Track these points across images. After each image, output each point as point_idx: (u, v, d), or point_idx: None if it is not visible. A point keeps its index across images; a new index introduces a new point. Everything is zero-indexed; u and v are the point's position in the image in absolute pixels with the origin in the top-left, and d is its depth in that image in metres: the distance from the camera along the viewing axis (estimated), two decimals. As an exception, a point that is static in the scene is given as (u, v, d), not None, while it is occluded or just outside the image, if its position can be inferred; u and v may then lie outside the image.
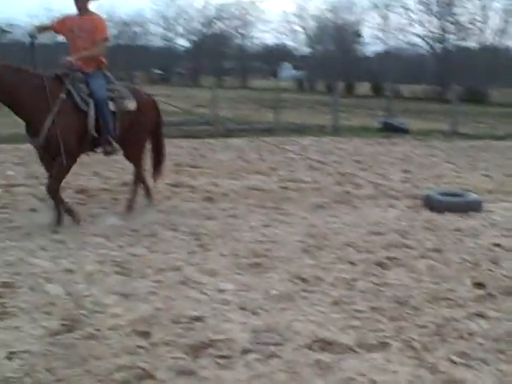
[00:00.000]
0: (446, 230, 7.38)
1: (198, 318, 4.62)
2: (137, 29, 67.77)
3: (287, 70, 76.11)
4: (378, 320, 4.71)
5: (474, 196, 8.92)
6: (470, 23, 56.52)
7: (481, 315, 4.85)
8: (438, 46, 57.76)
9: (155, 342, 4.21)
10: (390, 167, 12.82)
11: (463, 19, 56.34)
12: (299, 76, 67.29)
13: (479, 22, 56.20)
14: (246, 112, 27.70)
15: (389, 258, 6.22)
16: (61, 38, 7.78)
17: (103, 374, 3.76)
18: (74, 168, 10.08)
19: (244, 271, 5.77)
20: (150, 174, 8.45)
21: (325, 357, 4.08)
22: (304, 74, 66.89)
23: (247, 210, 8.36)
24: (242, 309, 4.86)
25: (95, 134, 7.13)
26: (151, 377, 3.76)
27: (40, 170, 10.33)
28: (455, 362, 4.06)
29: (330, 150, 15.63)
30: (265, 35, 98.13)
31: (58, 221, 7.12)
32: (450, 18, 56.50)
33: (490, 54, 53.19)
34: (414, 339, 4.37)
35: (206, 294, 5.16)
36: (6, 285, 5.19)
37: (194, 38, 68.24)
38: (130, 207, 7.93)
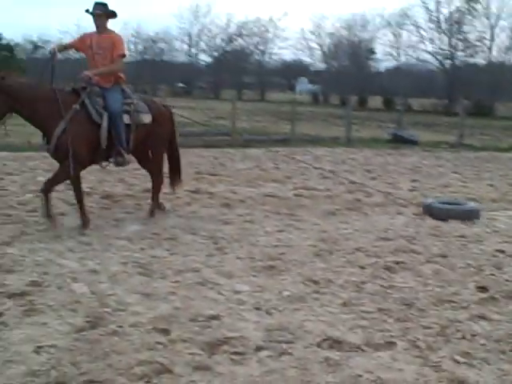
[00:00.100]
0: (451, 237, 7.34)
1: (214, 317, 4.63)
2: (162, 45, 68.19)
3: (303, 85, 76.25)
4: (385, 321, 4.69)
5: (472, 205, 8.87)
6: (478, 41, 56.37)
7: (483, 317, 4.81)
8: (447, 62, 57.59)
9: (173, 339, 4.22)
10: (399, 177, 12.78)
11: (471, 37, 56.21)
12: (314, 90, 67.33)
13: (487, 39, 56.04)
14: (263, 124, 27.75)
15: (396, 263, 6.19)
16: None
17: (124, 368, 3.77)
18: (101, 175, 10.23)
19: (259, 273, 5.77)
20: (168, 183, 8.47)
21: (334, 355, 4.07)
22: (319, 88, 66.92)
23: (263, 215, 8.36)
24: (257, 309, 4.86)
25: (104, 146, 7.11)
26: (169, 371, 3.77)
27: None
28: (458, 362, 4.04)
29: (342, 159, 15.61)
30: (283, 51, 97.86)
31: (47, 215, 7.03)
32: (459, 36, 56.37)
33: (497, 70, 53.01)
34: (419, 339, 4.35)
35: (222, 294, 5.17)
36: (35, 283, 5.22)
37: (216, 53, 68.48)
38: (152, 212, 7.96)
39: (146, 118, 7.55)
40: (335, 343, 4.27)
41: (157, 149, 7.98)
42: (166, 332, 4.34)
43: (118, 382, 3.61)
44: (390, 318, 4.74)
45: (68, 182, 7.39)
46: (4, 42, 48.47)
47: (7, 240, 6.53)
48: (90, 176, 10.29)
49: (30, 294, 4.98)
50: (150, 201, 8.15)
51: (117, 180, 10.51)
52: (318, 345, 4.23)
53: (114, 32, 7.49)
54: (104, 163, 7.54)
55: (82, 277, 5.45)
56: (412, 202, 9.37)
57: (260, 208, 8.87)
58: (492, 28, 55.68)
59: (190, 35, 68.05)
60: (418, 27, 58.54)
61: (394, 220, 8.27)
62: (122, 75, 7.58)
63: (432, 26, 57.36)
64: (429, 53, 58.57)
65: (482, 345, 4.31)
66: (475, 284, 5.63)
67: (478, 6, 55.24)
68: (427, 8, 56.96)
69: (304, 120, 27.50)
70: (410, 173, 13.54)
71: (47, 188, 7.01)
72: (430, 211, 8.48)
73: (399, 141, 20.97)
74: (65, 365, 3.79)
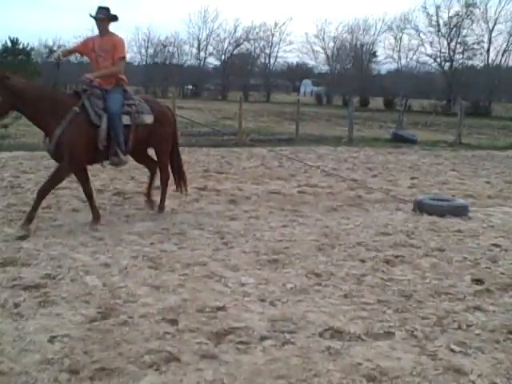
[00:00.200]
0: (448, 232, 7.33)
1: (220, 308, 4.64)
2: (172, 49, 68.29)
3: (307, 86, 76.23)
4: (384, 312, 4.69)
5: (460, 201, 8.86)
6: (476, 44, 56.28)
7: (479, 308, 4.81)
8: (446, 64, 57.51)
9: (181, 329, 4.23)
10: (398, 174, 12.79)
11: (470, 40, 56.15)
12: (318, 91, 67.27)
13: (484, 42, 55.95)
14: (268, 124, 27.75)
15: (395, 256, 6.19)
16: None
17: (134, 356, 3.79)
18: (113, 173, 10.27)
19: (263, 267, 5.77)
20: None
21: (335, 344, 4.08)
22: (323, 90, 66.87)
23: (267, 211, 8.37)
24: (261, 300, 4.87)
25: (102, 147, 7.05)
26: (177, 360, 3.78)
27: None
28: (454, 351, 4.03)
29: (344, 158, 15.62)
30: (288, 55, 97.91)
31: (29, 219, 6.81)
32: (458, 39, 56.29)
33: (494, 72, 52.94)
34: (416, 329, 4.35)
35: (228, 286, 5.17)
36: (49, 276, 5.24)
37: (223, 57, 68.56)
38: (161, 208, 8.01)
39: (148, 119, 7.51)
40: (336, 333, 4.27)
41: (161, 148, 7.95)
42: (174, 322, 4.35)
43: (128, 370, 3.62)
44: (389, 309, 4.74)
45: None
46: (20, 46, 48.57)
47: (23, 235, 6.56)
48: (102, 174, 10.35)
49: (44, 287, 5.00)
50: (158, 197, 8.15)
51: (128, 178, 10.54)
52: (320, 334, 4.24)
53: (115, 35, 7.46)
54: (105, 162, 7.47)
55: (94, 270, 5.47)
56: (409, 200, 9.35)
57: (265, 204, 8.88)
58: (490, 32, 55.59)
59: (198, 39, 68.23)
60: (418, 31, 58.59)
61: (394, 216, 8.27)
62: (123, 77, 7.58)
63: (432, 29, 57.39)
64: (428, 55, 58.59)
65: (477, 335, 4.30)
66: (471, 277, 5.62)
67: (477, 11, 55.15)
68: (427, 13, 56.97)
69: (308, 120, 27.54)
70: (409, 170, 13.54)
71: (45, 190, 6.96)
72: (420, 207, 8.46)
73: (399, 140, 20.98)
74: (78, 353, 3.81)
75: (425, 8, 57.29)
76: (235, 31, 67.72)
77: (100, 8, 7.33)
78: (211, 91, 69.37)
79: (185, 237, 6.80)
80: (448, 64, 57.25)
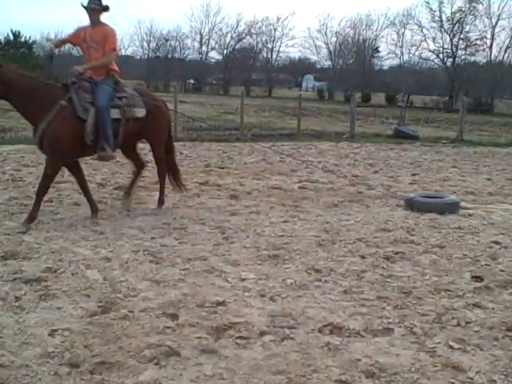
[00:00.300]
0: (448, 228, 7.34)
1: (220, 303, 4.65)
2: (174, 43, 68.24)
3: (309, 81, 76.17)
4: (384, 308, 4.70)
5: (452, 198, 8.83)
6: (479, 40, 56.21)
7: (478, 305, 4.82)
8: (448, 60, 57.43)
9: (182, 324, 4.25)
10: (399, 170, 12.78)
11: (472, 36, 56.07)
12: (320, 87, 67.24)
13: (487, 38, 55.87)
14: (270, 119, 27.75)
15: (395, 253, 6.19)
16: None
17: (135, 350, 3.81)
18: (114, 167, 10.28)
19: (264, 262, 5.79)
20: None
21: (334, 340, 4.09)
22: (324, 85, 66.84)
23: (268, 207, 8.38)
24: (261, 295, 4.88)
25: (89, 141, 6.90)
26: (177, 354, 3.80)
27: (86, 168, 10.49)
28: (453, 347, 4.05)
29: (345, 154, 15.62)
30: (290, 49, 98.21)
31: (31, 218, 6.80)
32: (461, 35, 56.20)
33: (496, 69, 52.86)
34: (415, 326, 4.36)
35: (228, 281, 5.19)
36: (50, 270, 5.27)
37: (226, 51, 68.50)
38: (161, 202, 7.98)
39: (140, 112, 7.36)
40: (336, 329, 4.28)
41: (155, 142, 7.79)
42: (174, 317, 4.37)
43: (128, 364, 3.64)
44: (389, 306, 4.75)
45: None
46: (22, 39, 48.58)
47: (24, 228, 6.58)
48: (104, 168, 10.37)
49: (45, 280, 5.02)
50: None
51: (129, 172, 10.53)
52: (320, 330, 4.25)
53: (106, 25, 7.32)
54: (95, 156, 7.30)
55: (95, 264, 5.49)
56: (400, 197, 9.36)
57: (266, 200, 8.89)
58: (492, 27, 55.50)
59: (200, 33, 68.22)
60: (420, 26, 58.51)
61: (394, 212, 8.28)
62: (115, 67, 7.41)
63: (434, 25, 57.32)
64: (431, 51, 58.53)
65: (476, 332, 4.32)
66: (471, 274, 5.63)
67: (480, 6, 55.06)
68: (430, 8, 56.87)
69: (310, 115, 27.53)
70: (410, 167, 13.53)
71: (41, 189, 6.91)
72: (411, 205, 8.46)
73: (401, 136, 20.96)
74: (78, 347, 3.83)
75: (428, 3, 57.12)
76: (237, 25, 67.77)
77: None
78: (213, 86, 69.38)
79: (185, 231, 6.82)
80: (450, 60, 57.20)
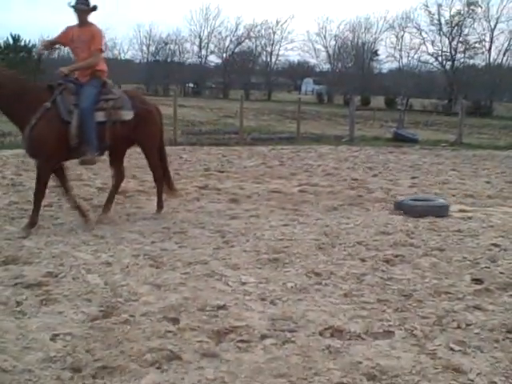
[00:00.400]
0: (448, 231, 7.35)
1: (221, 307, 4.66)
2: (174, 46, 68.32)
3: (308, 85, 76.27)
4: (384, 311, 4.71)
5: (441, 201, 8.81)
6: (478, 43, 56.31)
7: (478, 308, 4.83)
8: (447, 63, 57.52)
9: (183, 328, 4.25)
10: (399, 174, 12.81)
11: (471, 39, 56.16)
12: (319, 90, 67.32)
13: (486, 41, 55.97)
14: (270, 122, 27.78)
15: (395, 256, 6.20)
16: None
17: (136, 354, 3.82)
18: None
19: (264, 266, 5.79)
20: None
21: (335, 343, 4.10)
22: (324, 89, 66.90)
23: (268, 210, 8.39)
24: (262, 299, 4.89)
25: (74, 144, 6.78)
26: (179, 358, 3.81)
27: (86, 172, 10.50)
28: (453, 350, 4.05)
29: (345, 157, 15.66)
30: (289, 53, 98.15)
31: (31, 223, 6.81)
32: (460, 38, 56.30)
33: (495, 72, 52.94)
34: (416, 328, 4.37)
35: (229, 285, 5.20)
36: (51, 275, 5.28)
37: (225, 55, 68.58)
38: (160, 207, 7.89)
39: (127, 115, 7.18)
40: (336, 332, 4.29)
41: (147, 147, 7.66)
42: (175, 321, 4.38)
43: (130, 368, 3.65)
44: (389, 309, 4.76)
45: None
46: (22, 43, 48.64)
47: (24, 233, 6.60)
48: (105, 172, 10.38)
49: (46, 285, 5.03)
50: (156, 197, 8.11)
51: (129, 176, 10.54)
52: (320, 333, 4.26)
53: (93, 25, 7.22)
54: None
55: (95, 268, 5.50)
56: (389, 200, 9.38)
57: (266, 203, 8.91)
58: (491, 30, 55.59)
59: (200, 37, 68.31)
60: (419, 30, 58.63)
61: (394, 215, 8.29)
62: (102, 68, 7.28)
63: (433, 28, 57.41)
64: (430, 54, 58.61)
65: (477, 334, 4.32)
66: (471, 276, 5.63)
67: (478, 9, 55.15)
68: (429, 11, 56.96)
69: (309, 119, 27.55)
70: (410, 170, 13.57)
71: (37, 194, 6.88)
72: (400, 208, 8.46)
73: (400, 139, 21.01)
74: (80, 351, 3.84)
75: (426, 7, 57.26)
76: (237, 29, 67.87)
77: None
78: (212, 89, 69.45)
79: (186, 235, 6.83)
80: (449, 63, 57.28)
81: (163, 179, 7.95)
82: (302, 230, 7.23)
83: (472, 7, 55.00)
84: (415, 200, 8.65)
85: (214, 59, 70.93)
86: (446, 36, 56.95)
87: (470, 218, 8.24)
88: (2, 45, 48.30)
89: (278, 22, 70.04)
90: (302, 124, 21.27)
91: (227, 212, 8.18)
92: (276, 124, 26.89)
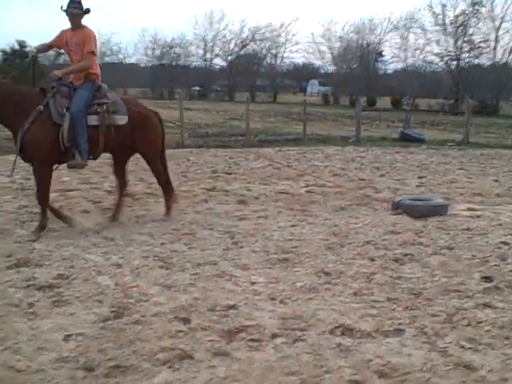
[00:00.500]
0: (457, 230, 7.34)
1: (231, 307, 4.69)
2: (179, 50, 68.39)
3: (314, 86, 76.22)
4: (394, 309, 4.72)
5: (439, 200, 8.80)
6: (483, 42, 56.15)
7: (488, 305, 4.83)
8: (452, 63, 57.38)
9: (194, 327, 4.28)
10: (406, 173, 12.80)
11: (476, 39, 56.02)
12: (325, 91, 67.26)
13: (491, 41, 55.81)
14: (276, 124, 27.78)
15: (404, 255, 6.21)
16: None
17: (148, 354, 3.85)
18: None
19: (273, 266, 5.82)
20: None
21: (345, 341, 4.12)
22: (329, 90, 66.84)
23: (276, 211, 8.41)
24: (272, 299, 4.91)
25: (65, 147, 6.78)
26: (190, 357, 3.83)
27: (94, 175, 10.53)
28: (464, 347, 4.06)
29: (352, 158, 15.65)
30: (294, 55, 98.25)
31: (41, 226, 6.86)
32: (464, 38, 56.17)
33: (501, 71, 52.78)
34: (426, 326, 4.38)
35: (239, 285, 5.22)
36: (62, 277, 5.31)
37: (230, 58, 68.60)
38: (168, 209, 7.86)
39: (121, 120, 7.13)
40: (347, 330, 4.31)
41: (148, 154, 7.64)
42: (186, 321, 4.41)
43: (142, 367, 3.68)
44: (399, 307, 4.77)
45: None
46: (28, 49, 48.78)
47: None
48: (112, 176, 10.40)
49: (58, 287, 5.07)
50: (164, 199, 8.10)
51: (137, 179, 10.58)
52: (331, 332, 4.28)
53: (86, 28, 7.18)
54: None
55: (106, 270, 5.53)
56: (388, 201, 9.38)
57: (273, 204, 8.93)
58: (496, 30, 55.44)
59: (204, 40, 68.27)
60: (424, 30, 58.46)
61: (402, 214, 8.28)
62: (96, 71, 7.24)
63: (438, 28, 57.21)
64: (435, 54, 58.43)
65: (487, 331, 4.33)
66: (480, 274, 5.63)
67: (483, 9, 55.02)
68: (433, 11, 56.83)
69: (315, 120, 27.56)
70: (417, 170, 13.55)
71: (41, 197, 6.90)
72: (398, 208, 8.45)
73: (407, 139, 20.98)
74: (92, 351, 3.87)
75: (431, 7, 57.17)
76: (241, 32, 67.81)
77: (72, 1, 7.03)
78: (218, 92, 69.49)
79: (195, 237, 6.86)
80: (455, 63, 57.10)
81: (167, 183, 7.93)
82: (310, 230, 7.25)
83: (476, 7, 54.86)
84: (414, 200, 8.66)
85: (219, 62, 71.00)
86: (450, 36, 56.83)
87: (478, 216, 8.23)
88: (9, 51, 48.45)
89: (282, 25, 69.77)
90: (308, 125, 21.28)
91: (235, 213, 8.20)
92: (282, 126, 26.88)
